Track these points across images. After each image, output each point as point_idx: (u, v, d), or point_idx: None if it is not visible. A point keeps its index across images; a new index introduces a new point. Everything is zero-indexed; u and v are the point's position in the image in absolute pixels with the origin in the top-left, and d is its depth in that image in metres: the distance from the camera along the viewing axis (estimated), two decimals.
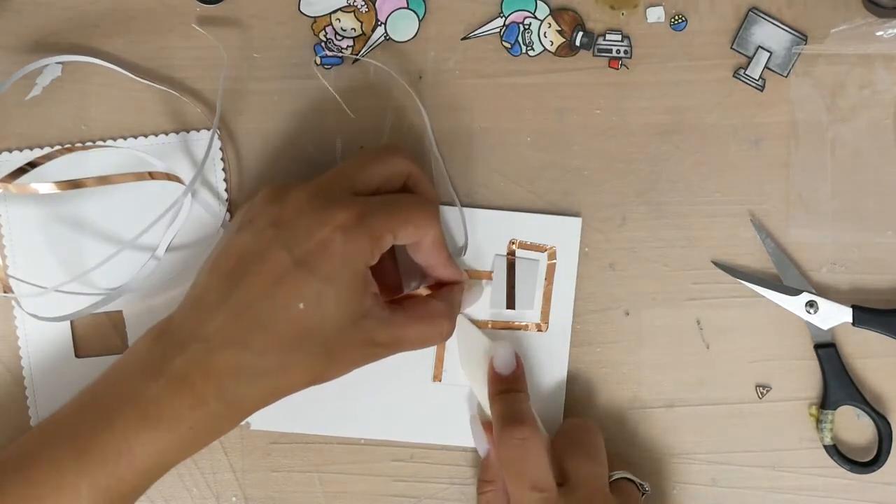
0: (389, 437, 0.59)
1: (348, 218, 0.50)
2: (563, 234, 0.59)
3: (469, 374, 0.58)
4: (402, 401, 0.59)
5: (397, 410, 0.59)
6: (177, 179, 0.58)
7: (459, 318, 0.58)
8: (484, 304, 0.59)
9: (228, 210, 0.59)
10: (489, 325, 0.59)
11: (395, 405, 0.59)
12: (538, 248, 0.59)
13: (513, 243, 0.59)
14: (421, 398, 0.59)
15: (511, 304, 0.59)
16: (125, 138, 0.59)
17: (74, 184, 0.55)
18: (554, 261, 0.59)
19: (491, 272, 0.59)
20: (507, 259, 0.59)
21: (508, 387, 0.56)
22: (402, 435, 0.59)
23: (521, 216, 0.59)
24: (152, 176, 0.58)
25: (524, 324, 0.59)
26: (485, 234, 0.59)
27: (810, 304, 0.58)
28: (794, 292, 0.58)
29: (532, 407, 0.55)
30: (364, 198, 0.52)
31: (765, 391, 0.60)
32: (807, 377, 0.60)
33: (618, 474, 0.55)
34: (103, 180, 0.56)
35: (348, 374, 0.54)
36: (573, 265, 0.59)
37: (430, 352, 0.59)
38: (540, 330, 0.59)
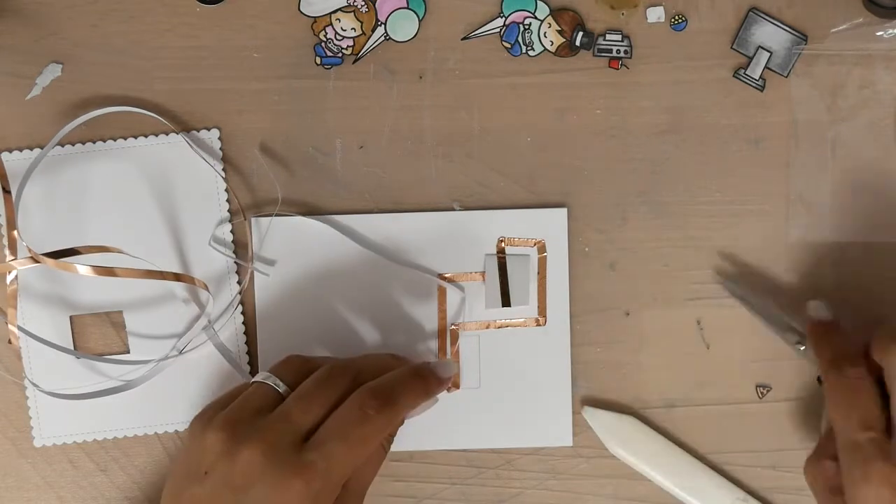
0: (401, 448, 0.59)
1: (308, 485, 0.48)
2: (551, 226, 0.59)
3: None
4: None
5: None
6: (203, 286, 0.58)
7: None
8: (480, 305, 0.59)
9: (229, 211, 0.59)
10: (487, 326, 0.59)
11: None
12: (527, 244, 0.59)
13: (501, 241, 0.59)
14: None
15: (506, 301, 0.59)
16: (125, 138, 0.59)
17: (109, 271, 0.55)
18: (544, 254, 0.59)
19: (483, 273, 0.59)
20: (498, 258, 0.59)
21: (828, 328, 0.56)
22: (407, 444, 0.59)
23: (507, 213, 0.59)
24: (178, 278, 0.57)
25: (522, 320, 0.59)
26: (473, 235, 0.59)
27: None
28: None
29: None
30: (317, 443, 0.50)
31: (765, 391, 0.60)
32: (807, 377, 0.60)
33: None
34: (133, 272, 0.56)
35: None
36: (564, 256, 0.59)
37: (432, 360, 0.59)
38: (538, 324, 0.59)
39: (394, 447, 0.56)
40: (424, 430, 0.59)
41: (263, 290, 0.59)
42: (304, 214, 0.59)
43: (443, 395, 0.59)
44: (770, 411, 0.60)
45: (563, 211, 0.59)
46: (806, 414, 0.60)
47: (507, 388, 0.59)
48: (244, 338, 0.59)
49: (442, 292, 0.59)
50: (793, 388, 0.60)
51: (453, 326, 0.59)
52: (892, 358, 0.51)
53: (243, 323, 0.59)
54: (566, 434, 0.59)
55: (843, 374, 0.52)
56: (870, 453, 0.48)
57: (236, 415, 0.51)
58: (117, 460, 0.60)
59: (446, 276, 0.59)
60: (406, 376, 0.54)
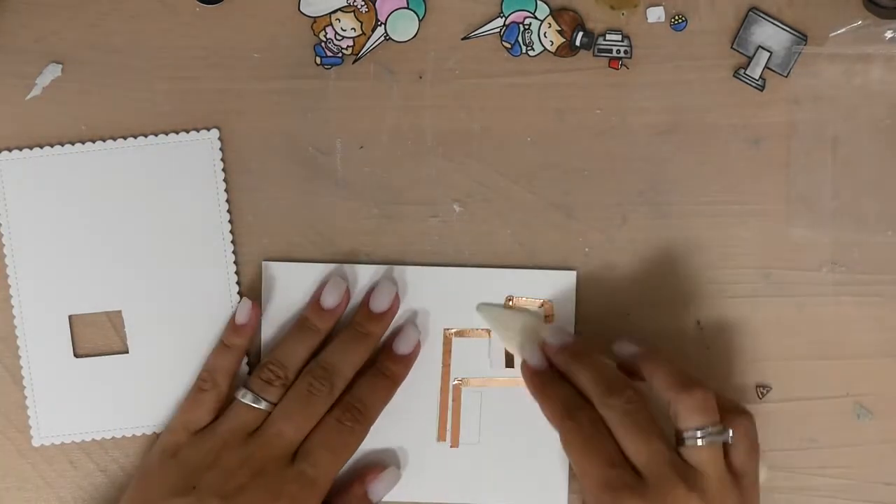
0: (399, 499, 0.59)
1: (301, 490, 0.54)
2: (559, 287, 0.59)
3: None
4: (407, 465, 0.59)
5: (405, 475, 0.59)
6: None
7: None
8: (484, 363, 0.59)
9: (229, 211, 0.59)
10: (489, 383, 0.59)
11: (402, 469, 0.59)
12: (534, 304, 0.59)
13: (509, 300, 0.59)
14: (429, 459, 0.59)
15: (510, 362, 0.59)
16: (125, 138, 0.59)
17: None
18: (552, 315, 0.59)
19: (489, 330, 0.59)
20: None
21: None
22: (404, 495, 0.59)
23: (515, 272, 0.59)
24: None
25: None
26: (480, 291, 0.59)
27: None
28: None
29: None
30: (306, 454, 0.55)
31: (765, 391, 0.60)
32: (807, 376, 0.60)
33: None
34: None
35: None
36: (570, 317, 0.59)
37: (433, 413, 0.59)
38: None
39: (394, 498, 0.59)
40: (423, 482, 0.59)
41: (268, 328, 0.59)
42: (305, 260, 0.59)
43: (443, 449, 0.59)
44: (770, 411, 0.60)
45: (573, 274, 0.59)
46: (806, 413, 0.60)
47: (506, 446, 0.59)
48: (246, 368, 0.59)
49: (447, 347, 0.59)
50: (793, 388, 0.60)
51: (456, 382, 0.59)
52: (655, 373, 0.53)
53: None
54: (561, 499, 0.59)
55: (579, 422, 0.52)
56: (619, 488, 0.50)
57: (225, 437, 0.55)
58: (117, 460, 0.60)
59: (452, 331, 0.59)
60: (373, 379, 0.57)
